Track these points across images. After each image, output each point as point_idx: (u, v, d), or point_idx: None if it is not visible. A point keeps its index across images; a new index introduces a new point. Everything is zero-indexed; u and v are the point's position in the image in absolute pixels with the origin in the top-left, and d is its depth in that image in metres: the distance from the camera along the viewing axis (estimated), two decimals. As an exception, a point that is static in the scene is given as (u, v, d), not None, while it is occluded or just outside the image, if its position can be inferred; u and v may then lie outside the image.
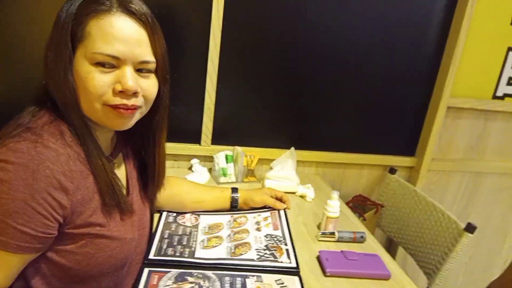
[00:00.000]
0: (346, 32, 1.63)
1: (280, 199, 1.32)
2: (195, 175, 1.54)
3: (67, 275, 0.78)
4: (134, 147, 0.98)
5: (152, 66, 0.79)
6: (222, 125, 1.64)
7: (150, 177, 0.99)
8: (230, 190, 1.28)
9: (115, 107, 0.76)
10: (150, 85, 0.80)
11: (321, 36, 1.62)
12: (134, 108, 0.79)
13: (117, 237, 0.83)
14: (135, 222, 0.91)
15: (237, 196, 1.26)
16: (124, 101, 0.76)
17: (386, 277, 1.07)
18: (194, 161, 1.61)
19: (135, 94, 0.77)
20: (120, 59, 0.74)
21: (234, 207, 1.27)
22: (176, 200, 1.20)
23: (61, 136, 0.73)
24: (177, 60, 1.51)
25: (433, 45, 1.73)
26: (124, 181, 0.93)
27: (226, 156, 1.57)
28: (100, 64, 0.73)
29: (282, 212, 1.28)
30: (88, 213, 0.77)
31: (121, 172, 0.93)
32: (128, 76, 0.74)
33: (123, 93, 0.75)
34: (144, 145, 0.95)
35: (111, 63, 0.74)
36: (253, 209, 1.30)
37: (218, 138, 1.65)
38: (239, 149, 1.57)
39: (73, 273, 0.78)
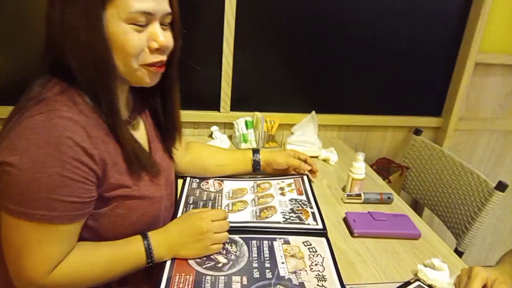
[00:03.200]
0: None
1: (304, 162, 1.28)
2: (216, 142, 1.53)
3: (103, 238, 0.80)
4: (150, 106, 0.97)
5: (170, 19, 0.80)
6: (241, 91, 1.61)
7: (170, 132, 0.98)
8: (251, 152, 1.25)
9: (151, 65, 0.77)
10: (171, 38, 0.81)
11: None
12: (165, 63, 0.80)
13: (147, 196, 0.84)
14: (162, 180, 0.92)
15: (258, 158, 1.24)
16: (160, 58, 0.78)
17: (416, 237, 1.04)
18: (214, 128, 1.59)
19: (166, 49, 0.78)
20: (152, 14, 0.74)
21: (257, 169, 1.25)
22: (198, 165, 1.19)
23: (74, 104, 0.72)
24: (192, 24, 1.47)
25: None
26: (146, 142, 0.93)
27: (246, 122, 1.54)
28: (135, 22, 0.72)
29: (305, 178, 1.26)
30: (116, 176, 0.78)
31: (141, 133, 0.92)
32: (160, 33, 0.76)
33: (158, 49, 0.76)
34: (161, 101, 0.94)
35: (144, 21, 0.73)
36: (276, 175, 1.28)
37: (237, 104, 1.62)
38: (259, 114, 1.53)
39: (109, 235, 0.80)
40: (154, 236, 0.83)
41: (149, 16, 0.73)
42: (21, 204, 0.67)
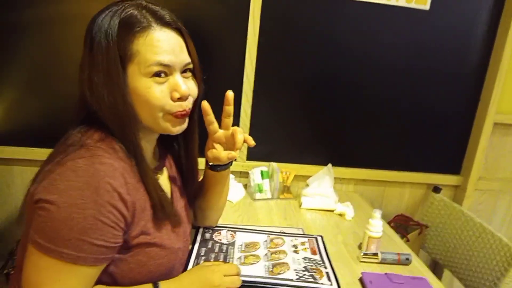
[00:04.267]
0: (386, 49, 1.60)
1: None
2: (231, 191, 1.52)
3: (119, 283, 0.79)
4: (174, 152, 0.99)
5: (191, 67, 0.83)
6: (258, 141, 1.61)
7: (189, 175, 1.00)
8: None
9: (175, 113, 0.80)
10: (194, 86, 0.84)
11: (359, 54, 1.59)
12: (189, 110, 0.83)
13: (167, 246, 0.84)
14: (181, 232, 0.91)
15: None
16: (183, 106, 0.80)
17: (436, 303, 0.99)
18: (230, 177, 1.58)
19: (187, 97, 0.81)
20: (171, 66, 0.77)
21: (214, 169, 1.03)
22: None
23: (114, 151, 0.75)
24: (213, 77, 1.51)
25: (477, 59, 1.66)
26: (169, 192, 0.94)
27: (262, 172, 1.54)
28: (156, 75, 0.76)
29: (319, 239, 1.23)
30: (142, 223, 0.79)
31: (165, 184, 0.93)
32: (181, 82, 0.79)
33: (180, 99, 0.79)
34: (183, 144, 0.97)
35: (164, 72, 0.77)
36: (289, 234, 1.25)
37: (254, 154, 1.63)
38: (274, 165, 1.54)
39: (126, 281, 0.79)
40: (165, 286, 0.81)
41: (168, 67, 0.77)
42: (51, 241, 0.68)
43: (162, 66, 0.76)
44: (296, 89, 1.60)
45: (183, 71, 0.81)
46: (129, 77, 0.75)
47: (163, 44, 0.76)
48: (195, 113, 0.91)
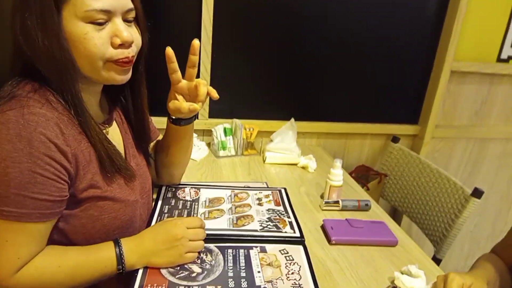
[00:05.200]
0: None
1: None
2: (194, 149, 1.50)
3: (74, 241, 0.77)
4: (122, 106, 0.95)
5: (134, 14, 0.78)
6: (219, 98, 1.59)
7: (141, 132, 0.97)
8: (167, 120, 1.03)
9: (118, 61, 0.75)
10: (137, 33, 0.80)
11: (320, 1, 1.55)
12: (132, 58, 0.79)
13: (120, 199, 0.82)
14: (136, 186, 0.90)
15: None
16: (125, 53, 0.76)
17: (393, 244, 1.04)
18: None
19: (130, 44, 0.77)
20: (111, 12, 0.72)
21: (177, 123, 1.00)
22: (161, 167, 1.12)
23: (47, 102, 0.70)
24: (168, 28, 1.45)
25: (435, 7, 1.67)
26: (121, 147, 0.91)
27: (225, 129, 1.53)
28: (94, 22, 0.70)
29: (283, 191, 1.24)
30: (89, 176, 0.76)
31: (116, 138, 0.90)
32: (122, 28, 0.74)
33: (122, 45, 0.75)
34: (131, 97, 0.93)
35: (103, 18, 0.71)
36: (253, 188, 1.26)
37: (216, 111, 1.61)
38: (237, 121, 1.52)
39: (80, 237, 0.77)
40: (126, 243, 0.80)
41: (108, 13, 0.72)
42: None
43: (101, 12, 0.70)
44: (257, 43, 1.56)
45: (126, 20, 0.76)
46: (64, 20, 0.69)
47: None
48: (141, 64, 0.87)
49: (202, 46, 1.48)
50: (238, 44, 1.55)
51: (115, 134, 0.90)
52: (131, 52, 0.77)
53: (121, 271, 0.79)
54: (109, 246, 0.79)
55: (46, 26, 0.68)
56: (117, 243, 0.79)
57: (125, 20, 0.76)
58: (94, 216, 0.77)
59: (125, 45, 0.75)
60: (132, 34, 0.77)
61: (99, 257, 0.77)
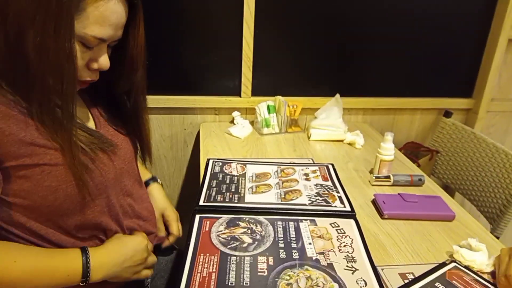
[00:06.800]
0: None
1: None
2: (237, 128, 1.50)
3: (41, 214, 0.71)
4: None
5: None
6: (263, 75, 1.57)
7: (140, 145, 0.93)
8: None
9: (84, 81, 0.75)
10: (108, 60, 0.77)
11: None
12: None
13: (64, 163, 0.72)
14: (116, 156, 0.82)
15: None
16: (94, 77, 0.75)
17: (451, 218, 0.99)
18: (236, 114, 1.56)
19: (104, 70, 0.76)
20: (105, 40, 0.71)
21: None
22: None
23: None
24: (211, 6, 1.44)
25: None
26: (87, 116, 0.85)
27: (268, 107, 1.51)
28: (84, 44, 0.69)
29: (331, 167, 1.22)
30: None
31: (84, 117, 0.84)
32: (105, 56, 0.73)
33: (96, 70, 0.74)
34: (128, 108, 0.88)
35: (95, 44, 0.70)
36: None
37: (259, 89, 1.59)
38: (281, 98, 1.50)
39: (46, 210, 0.70)
40: (95, 254, 0.74)
41: (101, 41, 0.70)
42: None
43: (97, 39, 0.69)
44: (300, 18, 1.52)
45: (109, 45, 0.75)
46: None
47: (111, 17, 0.69)
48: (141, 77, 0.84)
49: (245, 22, 1.46)
50: (280, 20, 1.51)
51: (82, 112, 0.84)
52: (98, 75, 0.76)
53: (84, 284, 0.72)
54: (76, 255, 0.72)
55: (60, 35, 0.64)
56: (84, 252, 0.73)
57: (108, 45, 0.75)
58: (53, 187, 0.69)
59: (98, 70, 0.75)
60: (108, 62, 0.75)
61: (63, 264, 0.70)
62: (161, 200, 1.04)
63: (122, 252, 0.78)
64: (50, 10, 0.62)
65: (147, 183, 1.04)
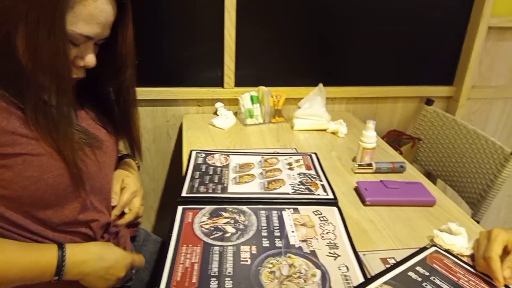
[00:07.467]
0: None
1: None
2: (221, 119, 1.49)
3: (21, 205, 0.70)
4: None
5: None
6: (245, 65, 1.56)
7: (129, 142, 0.93)
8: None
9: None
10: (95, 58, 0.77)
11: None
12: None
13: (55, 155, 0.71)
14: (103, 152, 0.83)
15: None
16: (80, 74, 0.75)
17: (431, 203, 1.01)
18: (219, 105, 1.55)
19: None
20: (92, 38, 0.72)
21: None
22: None
23: None
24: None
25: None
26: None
27: (252, 97, 1.50)
28: (71, 41, 0.69)
29: (314, 156, 1.22)
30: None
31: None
32: (91, 54, 0.74)
33: (82, 67, 0.75)
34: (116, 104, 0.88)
35: (82, 41, 0.71)
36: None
37: (242, 80, 1.58)
38: (264, 88, 1.49)
39: (27, 201, 0.69)
40: (72, 252, 0.72)
41: (88, 39, 0.71)
42: None
43: (84, 37, 0.69)
44: (282, 8, 1.51)
45: (96, 43, 0.75)
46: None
47: (99, 15, 0.69)
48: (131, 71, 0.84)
49: (226, 11, 1.44)
50: (262, 9, 1.50)
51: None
52: (84, 73, 0.76)
53: (57, 279, 0.70)
54: (52, 251, 0.70)
55: (54, 31, 0.65)
56: (61, 248, 0.71)
57: (95, 43, 0.75)
58: (34, 177, 0.68)
59: (84, 67, 0.75)
60: (94, 60, 0.75)
61: (38, 259, 0.69)
62: (124, 170, 0.96)
63: (102, 257, 0.75)
64: (43, 7, 0.63)
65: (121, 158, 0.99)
